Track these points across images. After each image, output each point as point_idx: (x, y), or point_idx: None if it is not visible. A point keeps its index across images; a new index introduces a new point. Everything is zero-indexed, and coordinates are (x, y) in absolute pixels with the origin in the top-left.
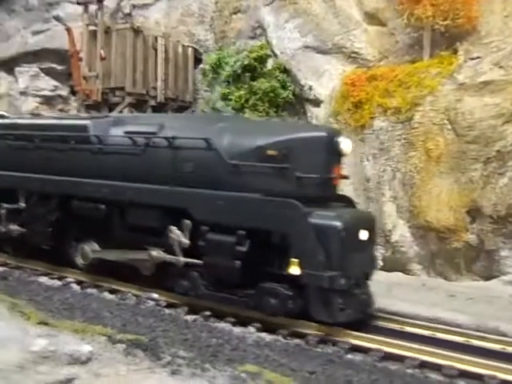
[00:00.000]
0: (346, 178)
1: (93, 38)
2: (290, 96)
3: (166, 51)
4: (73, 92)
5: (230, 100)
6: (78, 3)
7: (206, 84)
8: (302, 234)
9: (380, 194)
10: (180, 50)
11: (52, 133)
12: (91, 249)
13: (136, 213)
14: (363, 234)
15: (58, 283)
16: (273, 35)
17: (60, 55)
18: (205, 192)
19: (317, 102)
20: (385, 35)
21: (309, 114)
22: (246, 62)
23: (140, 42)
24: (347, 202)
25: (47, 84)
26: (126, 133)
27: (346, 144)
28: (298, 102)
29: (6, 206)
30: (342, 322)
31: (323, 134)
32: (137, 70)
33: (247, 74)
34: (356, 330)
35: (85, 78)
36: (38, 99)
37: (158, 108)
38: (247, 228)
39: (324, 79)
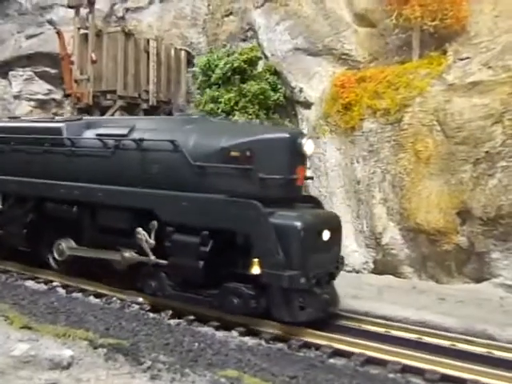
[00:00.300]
0: (310, 178)
1: (84, 41)
2: (281, 98)
3: (158, 54)
4: (66, 95)
5: (220, 103)
6: (69, 7)
7: (197, 86)
8: (262, 234)
9: (370, 196)
10: (172, 52)
11: (27, 136)
12: (67, 246)
13: (106, 214)
14: (326, 235)
15: (43, 287)
16: (264, 37)
17: (53, 59)
18: (170, 193)
19: (307, 104)
20: (375, 36)
21: (299, 117)
22: (235, 64)
23: (131, 44)
24: (315, 202)
25: (41, 88)
26: (98, 135)
27: (308, 145)
28: (289, 104)
29: None
30: (303, 321)
31: (286, 135)
32: (128, 73)
33: (237, 77)
34: (340, 334)
35: (76, 81)
36: (32, 103)
37: (151, 111)
38: (211, 228)
39: (314, 81)
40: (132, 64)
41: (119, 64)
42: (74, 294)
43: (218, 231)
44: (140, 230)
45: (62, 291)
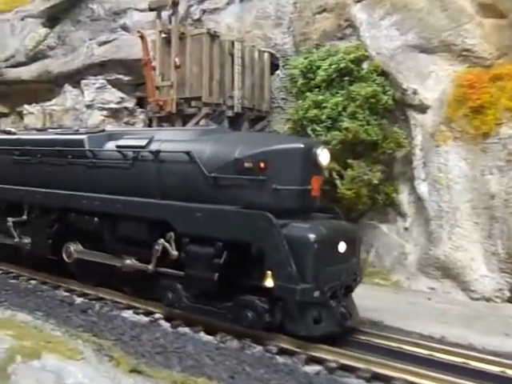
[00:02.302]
0: (325, 189)
1: (165, 45)
2: (390, 102)
3: (243, 57)
4: (139, 104)
5: (324, 108)
6: (151, 9)
7: (295, 91)
8: (274, 245)
9: (508, 214)
10: (256, 55)
11: (52, 148)
12: (75, 249)
13: (125, 225)
14: (342, 247)
15: (144, 319)
16: (366, 34)
17: (127, 66)
18: (184, 204)
19: (422, 108)
20: (504, 28)
21: (412, 122)
22: (341, 65)
23: (216, 47)
24: (334, 213)
25: (113, 96)
26: (118, 147)
27: (323, 155)
28: (397, 109)
29: (11, 219)
30: (317, 336)
31: (300, 145)
32: (213, 79)
33: (346, 79)
34: None
35: (158, 87)
36: (105, 112)
37: (235, 119)
38: (224, 240)
39: (430, 82)
40: (217, 68)
41: (204, 68)
42: (181, 329)
43: (231, 242)
44: (162, 240)
45: (165, 325)
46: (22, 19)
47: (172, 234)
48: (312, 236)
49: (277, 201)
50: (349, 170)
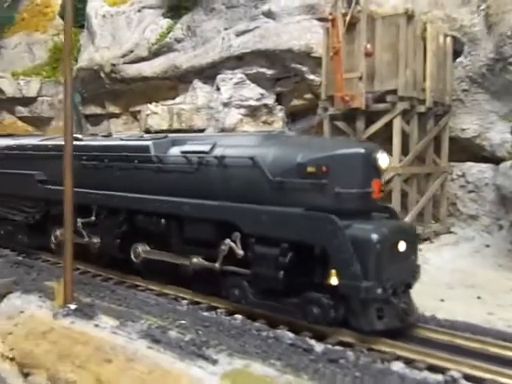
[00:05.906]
0: (382, 191)
1: (348, 30)
2: None
3: (433, 43)
4: (278, 100)
5: None
6: None
7: None
8: (339, 246)
9: None
10: (441, 40)
11: (119, 153)
12: (143, 249)
13: (191, 226)
14: (402, 246)
15: (433, 378)
16: None
17: (271, 58)
18: (250, 207)
19: None
20: None
21: None
22: None
23: (411, 31)
24: (391, 213)
25: (253, 92)
26: (182, 152)
27: (383, 160)
28: None
29: (81, 220)
30: (380, 330)
31: (361, 150)
32: (408, 68)
33: None
34: None
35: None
36: (242, 110)
37: (422, 116)
38: (289, 241)
39: None
40: (411, 56)
41: (401, 56)
42: None
43: (296, 243)
44: (228, 241)
45: None
46: (139, 11)
47: (238, 234)
48: (375, 236)
49: (338, 203)
50: None
